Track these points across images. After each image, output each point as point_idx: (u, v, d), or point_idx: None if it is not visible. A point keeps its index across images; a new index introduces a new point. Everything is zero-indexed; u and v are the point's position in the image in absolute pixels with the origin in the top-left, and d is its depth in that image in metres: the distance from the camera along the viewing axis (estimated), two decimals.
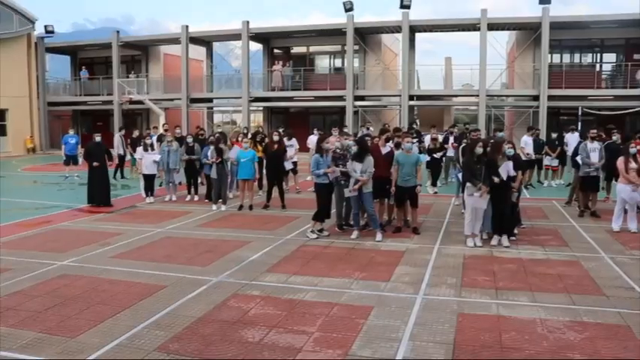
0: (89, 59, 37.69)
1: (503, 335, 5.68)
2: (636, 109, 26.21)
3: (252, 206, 13.14)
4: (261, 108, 33.72)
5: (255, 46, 32.99)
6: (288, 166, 15.23)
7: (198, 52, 34.27)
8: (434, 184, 16.06)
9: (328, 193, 10.36)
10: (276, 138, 13.59)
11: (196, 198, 14.63)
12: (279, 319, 6.09)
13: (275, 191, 13.42)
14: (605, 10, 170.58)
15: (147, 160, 14.34)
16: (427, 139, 16.45)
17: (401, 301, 6.71)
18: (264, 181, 15.25)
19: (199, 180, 15.18)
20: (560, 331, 5.82)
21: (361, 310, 6.34)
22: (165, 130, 18.01)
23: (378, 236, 9.90)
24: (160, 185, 15.70)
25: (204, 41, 33.67)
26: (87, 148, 14.34)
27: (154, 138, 16.33)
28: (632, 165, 10.57)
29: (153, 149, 14.49)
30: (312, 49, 33.37)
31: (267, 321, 6.02)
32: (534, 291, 7.12)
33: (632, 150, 10.76)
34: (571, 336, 5.68)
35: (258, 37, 31.63)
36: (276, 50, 33.65)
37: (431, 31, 31.14)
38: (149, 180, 14.48)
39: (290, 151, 15.31)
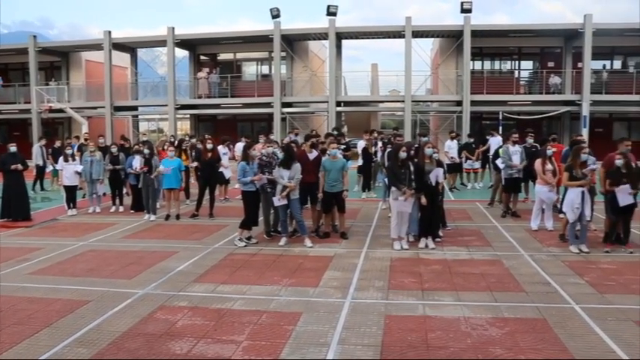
0: (3, 65, 35.72)
1: (429, 335, 5.81)
2: (551, 114, 27.50)
3: (180, 216, 12.92)
4: (188, 116, 33.22)
5: (182, 53, 32.54)
6: (227, 174, 15.10)
7: (122, 58, 33.38)
8: (368, 189, 16.26)
9: (255, 200, 10.32)
10: (209, 146, 13.39)
11: (121, 209, 14.25)
12: (207, 329, 6.01)
13: (206, 200, 13.26)
14: (523, 20, 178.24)
15: (67, 171, 13.81)
16: (359, 144, 16.62)
17: (329, 305, 6.75)
18: (191, 190, 15.08)
19: (124, 190, 14.80)
20: (482, 327, 6.02)
21: (290, 317, 6.35)
22: (86, 140, 17.46)
23: (308, 242, 9.93)
24: (84, 197, 15.19)
25: (129, 47, 32.84)
26: (1, 159, 13.51)
27: (75, 148, 15.79)
28: (549, 166, 11.08)
29: (74, 159, 13.98)
30: (239, 55, 33.18)
31: (195, 332, 5.93)
32: (459, 290, 7.34)
33: (549, 152, 11.27)
34: (493, 332, 5.89)
35: (184, 43, 31.21)
36: (202, 57, 33.26)
37: (357, 37, 31.61)
38: (70, 191, 13.95)
39: (224, 160, 15.17)
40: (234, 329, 6.00)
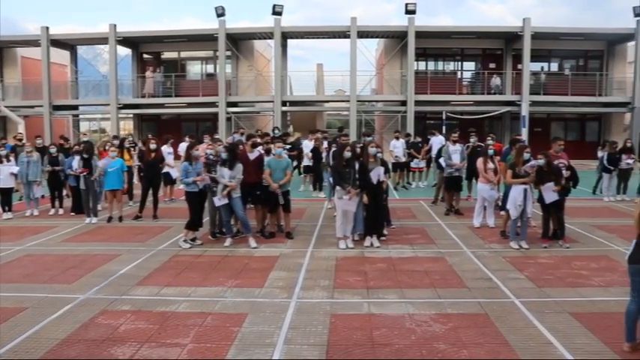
0: None
1: (374, 332, 5.89)
2: (493, 113, 28.22)
3: (122, 217, 12.63)
4: (131, 115, 32.50)
5: (124, 51, 31.72)
6: (174, 174, 14.84)
7: (61, 55, 32.29)
8: (319, 189, 16.31)
9: (199, 201, 10.19)
10: (153, 146, 13.11)
11: (61, 211, 13.81)
12: (151, 333, 5.90)
13: (149, 201, 13.02)
14: (466, 22, 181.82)
15: (2, 173, 13.26)
16: (306, 144, 16.65)
17: (275, 306, 6.75)
18: (135, 192, 14.79)
19: (64, 192, 14.37)
20: (427, 324, 6.13)
21: (235, 318, 6.31)
22: (20, 140, 16.84)
23: (252, 242, 9.88)
24: (20, 199, 14.66)
25: (68, 44, 31.82)
26: None
27: (9, 148, 15.19)
28: (490, 165, 11.37)
29: (8, 160, 13.45)
30: (183, 54, 32.65)
31: (138, 336, 5.81)
32: (403, 288, 7.46)
33: (490, 151, 11.57)
34: (437, 328, 6.02)
35: (126, 41, 30.47)
36: (145, 55, 32.58)
37: (303, 37, 31.62)
38: (5, 194, 13.40)
39: (169, 160, 14.92)
40: (179, 332, 5.92)
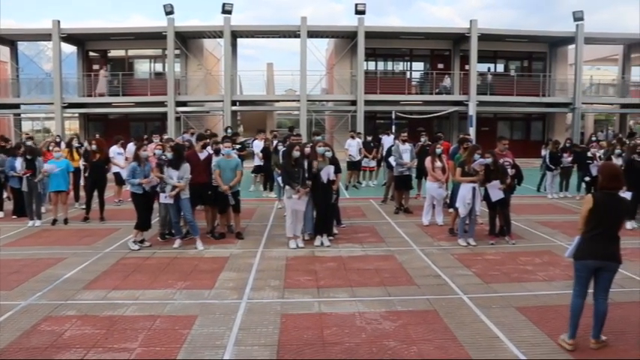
0: None
1: (325, 331, 5.90)
2: (441, 113, 28.71)
3: (68, 220, 12.29)
4: (76, 115, 31.64)
5: (69, 48, 30.81)
6: (125, 174, 14.49)
7: (0, 52, 31.28)
8: (269, 189, 16.22)
9: (146, 202, 10.00)
10: (94, 147, 12.77)
11: (1, 215, 13.30)
12: (97, 338, 5.75)
13: (95, 203, 12.71)
14: (415, 23, 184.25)
15: None
16: (255, 144, 16.56)
17: (225, 307, 6.69)
18: (81, 193, 14.41)
19: (5, 194, 13.88)
20: (377, 322, 6.19)
21: (185, 320, 6.22)
22: None
23: (199, 245, 9.76)
24: None
25: (8, 40, 30.68)
26: None
27: None
28: (438, 164, 11.56)
29: None
30: (131, 52, 32.00)
31: (84, 342, 5.65)
32: (354, 286, 7.50)
33: (438, 150, 11.75)
34: (387, 325, 6.08)
35: (71, 38, 29.57)
36: (91, 53, 31.75)
37: (253, 36, 31.48)
38: None
39: (120, 160, 14.60)
40: (127, 336, 5.80)
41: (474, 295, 7.13)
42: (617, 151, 13.25)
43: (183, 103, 29.24)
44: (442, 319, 6.27)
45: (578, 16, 28.49)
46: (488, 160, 9.91)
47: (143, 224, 9.89)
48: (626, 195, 11.97)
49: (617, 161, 12.95)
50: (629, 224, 11.69)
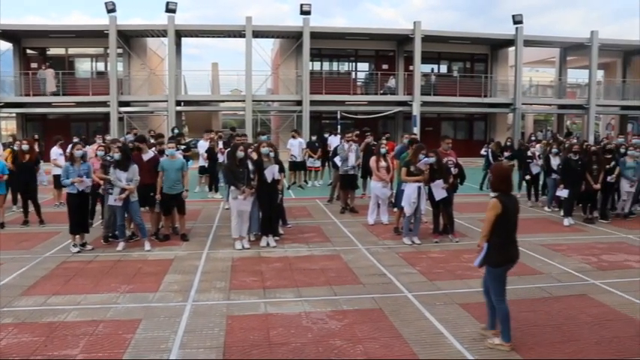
0: None
1: (271, 332, 5.89)
2: (386, 113, 29.05)
3: (4, 224, 11.84)
4: (13, 115, 30.51)
5: (4, 45, 29.66)
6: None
7: None
8: (215, 190, 16.05)
9: (79, 203, 9.57)
10: (25, 147, 12.31)
11: None
12: (36, 346, 5.57)
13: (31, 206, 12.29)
14: (360, 23, 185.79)
15: None
16: (200, 144, 16.36)
17: (170, 310, 6.59)
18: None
19: None
20: (323, 321, 6.21)
21: (129, 325, 6.10)
22: None
23: (147, 246, 9.61)
24: None
25: None
26: None
27: None
28: (382, 163, 11.69)
29: None
30: (71, 50, 31.04)
31: (22, 350, 5.46)
32: (300, 286, 7.51)
33: (383, 150, 11.88)
34: (333, 325, 6.11)
35: (7, 34, 28.46)
36: (29, 51, 30.62)
37: (197, 36, 31.11)
38: None
39: (60, 161, 14.12)
40: (68, 343, 5.63)
41: (419, 292, 7.25)
42: (554, 150, 13.69)
43: (127, 103, 28.61)
44: (387, 317, 6.35)
45: (517, 20, 29.34)
46: (432, 160, 10.08)
47: (74, 227, 9.53)
48: (563, 193, 12.50)
49: (555, 160, 13.41)
50: (566, 221, 12.12)
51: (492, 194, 5.70)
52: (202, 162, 16.13)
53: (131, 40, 29.42)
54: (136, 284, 7.64)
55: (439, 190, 10.18)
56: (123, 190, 9.39)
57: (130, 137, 15.50)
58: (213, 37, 31.19)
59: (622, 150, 13.19)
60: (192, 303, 6.84)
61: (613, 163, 12.58)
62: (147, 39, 30.35)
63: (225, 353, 5.38)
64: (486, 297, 5.77)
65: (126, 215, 9.85)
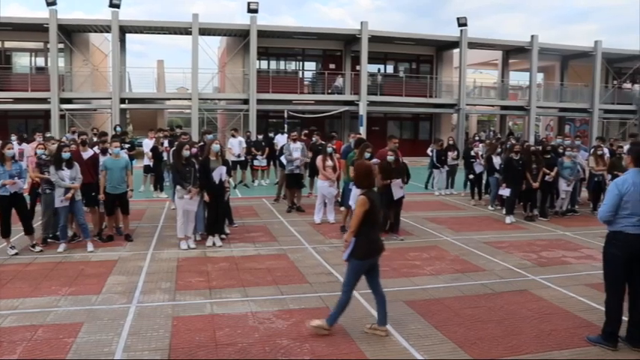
0: None
1: (217, 333, 5.83)
2: (333, 112, 29.20)
3: None
4: None
5: None
6: None
7: None
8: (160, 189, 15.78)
9: (10, 205, 9.04)
10: None
11: None
12: None
13: None
14: (308, 23, 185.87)
15: None
16: (145, 143, 16.07)
17: (113, 312, 6.44)
18: None
19: None
20: (269, 320, 6.20)
21: (70, 329, 5.92)
22: None
23: (90, 246, 9.37)
24: None
25: None
26: None
27: None
28: (329, 163, 11.74)
29: None
30: (8, 44, 29.89)
31: None
32: (246, 286, 7.47)
33: (329, 149, 11.93)
34: (279, 324, 6.10)
35: None
36: None
37: (142, 32, 30.46)
38: None
39: None
40: (4, 349, 5.42)
41: (365, 290, 7.21)
42: (498, 150, 14.04)
43: (69, 100, 27.77)
44: None
45: (462, 22, 29.98)
46: (390, 158, 10.26)
47: (5, 230, 9.10)
48: (505, 192, 12.82)
49: (497, 160, 13.75)
50: (508, 219, 12.45)
51: (359, 191, 5.88)
52: (147, 161, 15.85)
53: (73, 34, 28.62)
54: (77, 286, 7.43)
55: (398, 189, 10.32)
56: (67, 189, 9.12)
57: (70, 135, 15.08)
58: (159, 33, 30.60)
59: (560, 150, 13.64)
60: (136, 305, 6.71)
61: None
62: (89, 34, 29.60)
63: (171, 355, 5.29)
64: (374, 295, 5.98)
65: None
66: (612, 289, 5.64)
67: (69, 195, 9.12)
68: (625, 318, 5.66)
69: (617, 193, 5.48)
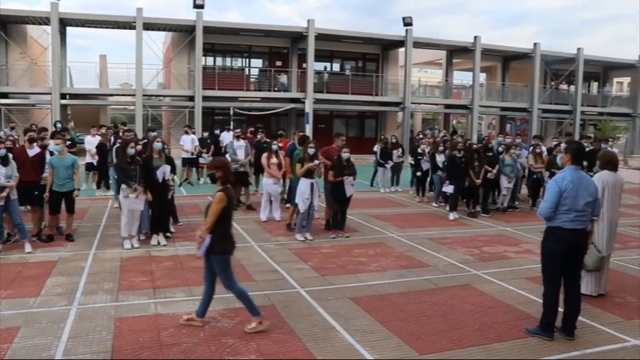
0: None
1: (162, 333, 5.75)
2: (279, 110, 29.15)
3: None
4: None
5: None
6: None
7: None
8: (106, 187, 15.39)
9: None
10: None
11: None
12: None
13: None
14: (254, 20, 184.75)
15: None
16: (88, 140, 15.66)
17: (53, 315, 6.24)
18: None
19: None
20: (215, 319, 6.15)
21: (5, 333, 5.69)
22: None
23: (27, 247, 9.06)
24: None
25: None
26: None
27: None
28: (274, 160, 11.72)
29: None
30: None
31: None
32: (191, 285, 7.38)
33: (274, 147, 11.91)
34: (225, 323, 6.07)
35: None
36: None
37: (84, 25, 29.62)
38: None
39: None
40: None
41: (311, 288, 7.34)
42: (441, 147, 14.29)
43: (5, 95, 26.78)
44: (280, 313, 6.38)
45: (407, 22, 30.40)
46: (345, 155, 10.33)
47: None
48: (449, 189, 13.09)
49: (440, 157, 14.01)
50: (451, 215, 12.72)
51: (217, 187, 5.97)
52: (89, 159, 15.46)
53: (9, 26, 27.54)
54: (14, 289, 7.15)
55: (349, 187, 10.40)
56: (2, 188, 8.80)
57: (8, 131, 14.58)
58: (102, 27, 29.81)
59: (501, 149, 14.02)
60: (77, 306, 6.53)
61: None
62: (27, 26, 28.57)
63: (113, 357, 5.19)
64: (207, 283, 6.05)
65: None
66: (550, 282, 5.85)
67: (3, 194, 8.79)
68: (561, 309, 5.88)
69: (557, 190, 5.67)
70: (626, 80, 47.43)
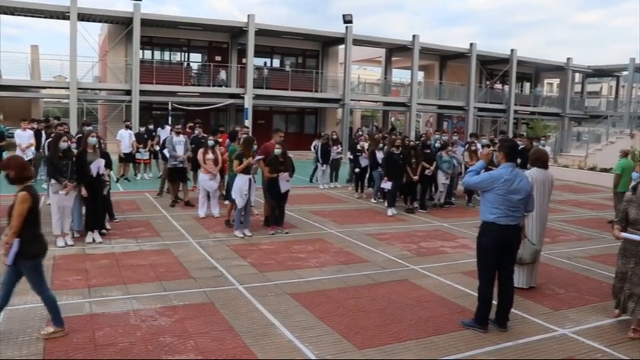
0: None
1: (96, 333, 5.61)
2: (218, 105, 28.86)
3: None
4: None
5: None
6: None
7: None
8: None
9: None
10: None
11: None
12: None
13: None
14: (194, 13, 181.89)
15: None
16: (18, 134, 15.08)
17: None
18: None
19: None
20: (152, 318, 6.06)
21: None
22: None
23: None
24: None
25: None
26: None
27: None
28: (210, 156, 11.64)
29: None
30: None
31: None
32: (128, 283, 7.24)
33: (210, 142, 11.82)
34: (162, 321, 5.98)
35: None
36: None
37: (13, 14, 28.45)
38: None
39: None
40: None
41: (250, 284, 7.32)
42: (380, 144, 14.49)
43: None
44: (219, 310, 6.34)
45: (347, 19, 30.58)
46: (277, 152, 10.32)
47: None
48: (387, 185, 13.28)
49: (380, 154, 14.20)
50: (389, 211, 12.92)
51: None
52: (19, 152, 14.88)
53: None
54: None
55: (284, 183, 10.40)
56: None
57: None
58: (34, 16, 28.68)
59: (438, 144, 14.32)
60: (6, 308, 6.28)
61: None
62: None
63: (45, 359, 5.03)
64: (5, 289, 5.59)
65: None
66: (484, 276, 6.04)
67: None
68: (495, 302, 6.07)
69: (491, 178, 5.88)
70: (556, 82, 49.49)
